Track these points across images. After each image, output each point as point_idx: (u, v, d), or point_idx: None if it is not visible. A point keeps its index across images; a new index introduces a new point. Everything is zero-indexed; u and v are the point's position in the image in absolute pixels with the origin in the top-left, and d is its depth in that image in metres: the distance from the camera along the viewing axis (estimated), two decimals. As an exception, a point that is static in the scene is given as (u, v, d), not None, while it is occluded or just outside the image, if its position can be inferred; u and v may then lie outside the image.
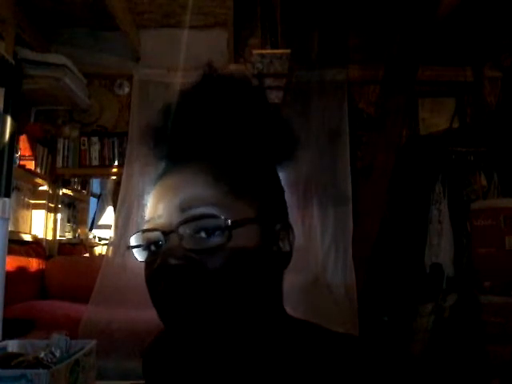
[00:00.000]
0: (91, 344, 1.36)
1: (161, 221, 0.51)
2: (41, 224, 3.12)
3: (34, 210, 3.12)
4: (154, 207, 0.53)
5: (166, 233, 0.49)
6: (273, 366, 0.50)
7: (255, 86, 0.60)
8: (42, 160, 3.06)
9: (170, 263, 0.47)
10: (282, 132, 0.57)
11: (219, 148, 0.53)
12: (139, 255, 0.53)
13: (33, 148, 2.95)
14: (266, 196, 0.54)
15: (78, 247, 3.54)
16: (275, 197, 0.57)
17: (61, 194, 3.33)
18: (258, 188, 0.53)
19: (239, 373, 0.52)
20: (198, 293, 0.47)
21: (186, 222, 0.49)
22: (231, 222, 0.48)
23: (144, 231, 0.53)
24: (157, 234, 0.50)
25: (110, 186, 4.16)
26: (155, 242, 0.51)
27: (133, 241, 0.54)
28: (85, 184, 3.91)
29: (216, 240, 0.48)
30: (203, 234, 0.48)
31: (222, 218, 0.48)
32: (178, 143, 0.55)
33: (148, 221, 0.53)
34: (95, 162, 3.18)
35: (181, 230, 0.49)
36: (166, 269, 0.48)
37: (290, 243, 0.55)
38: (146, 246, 0.52)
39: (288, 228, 0.55)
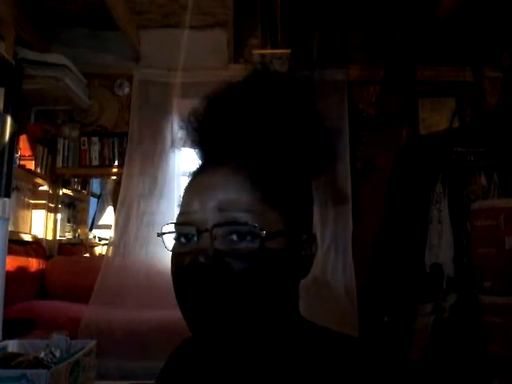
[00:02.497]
0: (91, 344, 1.36)
1: (195, 216, 0.52)
2: (41, 224, 3.12)
3: (34, 210, 3.12)
4: (190, 202, 0.53)
5: (201, 230, 0.50)
6: (288, 369, 0.50)
7: (308, 88, 0.59)
8: (42, 160, 3.06)
9: (201, 262, 0.48)
10: (322, 144, 0.57)
11: (260, 152, 0.52)
12: (168, 244, 0.54)
13: (33, 148, 2.95)
14: (296, 206, 0.55)
15: (78, 247, 3.54)
16: (305, 207, 0.58)
17: (61, 194, 3.33)
18: (291, 198, 0.54)
19: (254, 374, 0.52)
20: (224, 293, 0.48)
21: (221, 224, 0.50)
22: (265, 234, 0.49)
23: (178, 224, 0.54)
24: (190, 229, 0.52)
25: (109, 186, 4.15)
26: (186, 235, 0.52)
27: (165, 229, 0.55)
28: (85, 184, 3.91)
29: (247, 245, 0.49)
30: (234, 237, 0.50)
31: (257, 226, 0.49)
32: (219, 141, 0.55)
33: (182, 213, 0.54)
34: (95, 162, 3.18)
35: (214, 230, 0.50)
36: (197, 267, 0.49)
37: (313, 253, 0.57)
38: (176, 236, 0.54)
39: (312, 239, 0.57)
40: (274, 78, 0.59)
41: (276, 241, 0.51)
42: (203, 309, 0.49)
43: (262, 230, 0.49)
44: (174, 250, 0.53)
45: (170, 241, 0.55)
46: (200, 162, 0.58)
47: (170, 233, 0.54)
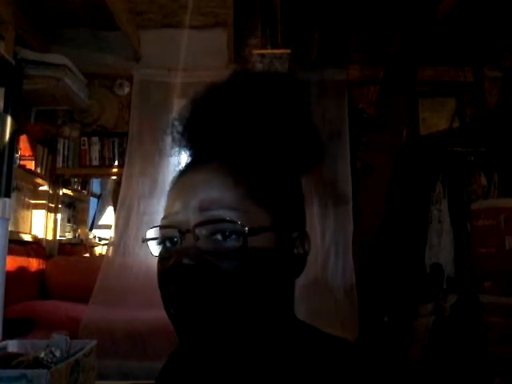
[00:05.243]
0: (91, 344, 1.36)
1: (178, 218, 0.50)
2: (41, 224, 3.12)
3: (34, 210, 3.12)
4: (172, 204, 0.52)
5: (183, 231, 0.49)
6: (280, 372, 0.49)
7: (291, 85, 0.58)
8: (42, 160, 3.06)
9: (184, 263, 0.47)
10: (309, 140, 0.56)
11: (243, 150, 0.52)
12: (154, 249, 0.53)
13: (33, 148, 2.95)
14: (284, 203, 0.53)
15: (78, 247, 3.53)
16: (294, 204, 0.56)
17: (61, 194, 3.33)
18: (278, 194, 0.53)
19: (246, 377, 0.51)
20: (209, 294, 0.47)
21: (203, 223, 0.48)
22: (248, 230, 0.48)
23: (160, 227, 0.53)
24: (173, 231, 0.51)
25: (110, 186, 4.16)
26: (170, 239, 0.51)
27: (149, 235, 0.54)
28: (85, 184, 3.91)
29: (231, 244, 0.48)
30: (219, 237, 0.48)
31: (239, 223, 0.48)
32: (201, 141, 0.54)
33: (165, 217, 0.53)
34: (95, 162, 3.18)
35: (197, 230, 0.48)
36: (180, 268, 0.47)
37: (305, 251, 0.55)
38: (161, 241, 0.52)
39: (304, 236, 0.55)
40: (256, 76, 0.59)
41: (262, 238, 0.49)
42: (188, 314, 0.47)
43: (244, 226, 0.48)
44: (159, 255, 0.52)
45: (155, 245, 0.53)
46: (184, 164, 0.57)
47: (153, 239, 0.53)
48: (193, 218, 0.49)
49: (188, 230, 0.49)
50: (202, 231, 0.48)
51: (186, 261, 0.47)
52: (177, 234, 0.50)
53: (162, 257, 0.52)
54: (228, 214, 0.48)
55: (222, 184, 0.50)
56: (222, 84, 0.57)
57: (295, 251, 0.54)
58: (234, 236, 0.48)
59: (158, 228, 0.53)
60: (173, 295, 0.48)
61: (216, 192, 0.50)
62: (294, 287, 0.55)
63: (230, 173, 0.50)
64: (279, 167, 0.54)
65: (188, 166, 0.56)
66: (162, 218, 0.53)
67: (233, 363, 0.52)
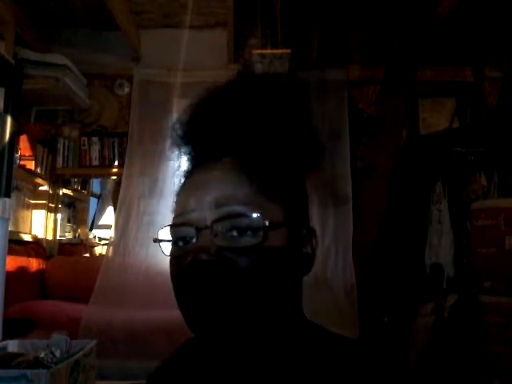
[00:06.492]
0: (91, 344, 1.35)
1: (193, 216, 0.50)
2: (41, 224, 3.12)
3: (34, 210, 3.12)
4: (186, 202, 0.52)
5: (200, 228, 0.49)
6: (289, 369, 0.50)
7: (295, 85, 0.59)
8: (42, 160, 3.06)
9: (203, 259, 0.47)
10: (310, 141, 0.57)
11: (253, 147, 0.52)
12: (166, 249, 0.53)
13: (33, 148, 2.95)
14: (294, 200, 0.54)
15: (78, 247, 3.53)
16: (301, 201, 0.57)
17: (61, 193, 3.33)
18: (288, 191, 0.53)
19: (256, 374, 0.51)
20: (229, 292, 0.47)
21: (221, 219, 0.48)
22: (268, 224, 0.48)
23: (174, 226, 0.52)
24: (188, 229, 0.50)
25: (110, 186, 4.15)
26: (183, 237, 0.51)
27: (161, 234, 0.53)
28: (85, 184, 3.91)
29: (248, 240, 0.48)
30: (235, 233, 0.48)
31: (260, 217, 0.48)
32: (212, 139, 0.54)
33: (178, 215, 0.53)
34: (95, 162, 3.18)
35: (214, 226, 0.48)
36: (200, 265, 0.47)
37: (313, 248, 0.56)
38: (174, 240, 0.52)
39: (312, 233, 0.56)
40: (263, 76, 0.60)
41: (278, 234, 0.49)
42: (208, 313, 0.47)
43: (264, 220, 0.48)
44: (172, 254, 0.52)
45: (167, 245, 0.53)
46: (191, 163, 0.57)
47: (167, 241, 0.52)
48: (209, 214, 0.49)
49: (206, 227, 0.48)
50: (218, 227, 0.48)
51: (204, 257, 0.47)
52: (192, 231, 0.49)
53: (175, 255, 0.51)
54: (244, 209, 0.48)
55: (236, 180, 0.50)
56: (230, 83, 0.57)
57: (304, 249, 0.54)
58: (249, 232, 0.48)
59: (168, 227, 0.53)
60: (192, 293, 0.48)
61: (231, 188, 0.50)
62: (301, 285, 0.56)
63: (243, 170, 0.51)
64: (286, 164, 0.54)
65: (199, 164, 0.56)
66: (175, 217, 0.53)
67: (245, 361, 0.52)
